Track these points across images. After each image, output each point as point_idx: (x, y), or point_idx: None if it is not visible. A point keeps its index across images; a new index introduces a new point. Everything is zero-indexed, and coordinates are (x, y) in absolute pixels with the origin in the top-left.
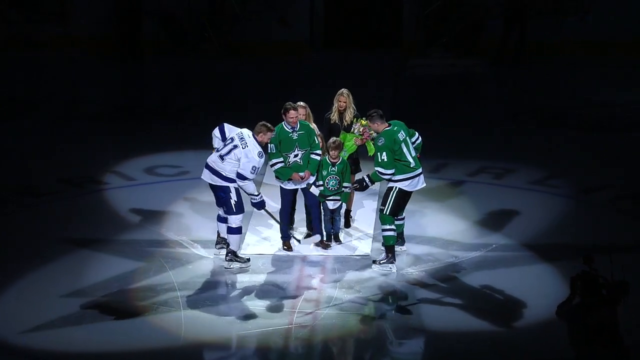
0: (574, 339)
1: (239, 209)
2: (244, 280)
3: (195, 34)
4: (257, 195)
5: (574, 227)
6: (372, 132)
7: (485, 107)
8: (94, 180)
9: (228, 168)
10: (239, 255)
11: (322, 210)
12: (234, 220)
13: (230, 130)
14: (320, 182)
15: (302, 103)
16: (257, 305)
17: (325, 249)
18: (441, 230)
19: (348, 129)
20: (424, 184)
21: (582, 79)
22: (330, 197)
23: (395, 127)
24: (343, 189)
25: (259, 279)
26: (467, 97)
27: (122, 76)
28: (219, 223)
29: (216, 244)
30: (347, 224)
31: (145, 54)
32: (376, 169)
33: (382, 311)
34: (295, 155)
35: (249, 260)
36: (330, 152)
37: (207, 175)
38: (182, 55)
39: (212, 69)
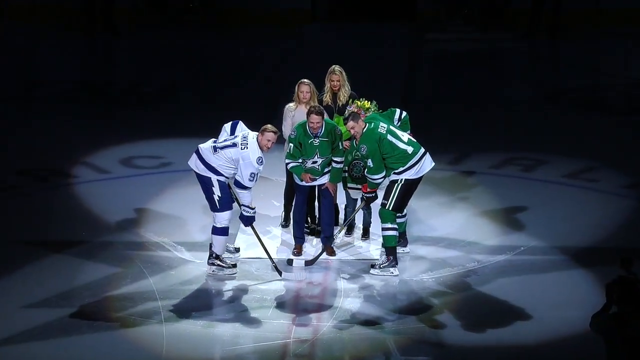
0: (610, 353)
1: (225, 205)
2: (234, 288)
3: (178, 2)
4: (251, 209)
5: (614, 228)
6: (368, 113)
7: (513, 88)
8: (61, 173)
9: (217, 162)
10: (223, 259)
11: (339, 211)
12: (219, 219)
13: (243, 129)
14: (345, 168)
15: (306, 80)
16: (249, 317)
17: (331, 255)
18: (460, 230)
19: (343, 110)
20: (433, 163)
21: (627, 54)
22: (353, 186)
23: (373, 124)
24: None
25: (252, 286)
26: (493, 77)
27: (93, 51)
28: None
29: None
30: (336, 221)
31: (120, 26)
32: (367, 176)
33: (392, 324)
34: (314, 162)
35: (234, 266)
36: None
37: (192, 162)
38: (162, 28)
39: (198, 43)
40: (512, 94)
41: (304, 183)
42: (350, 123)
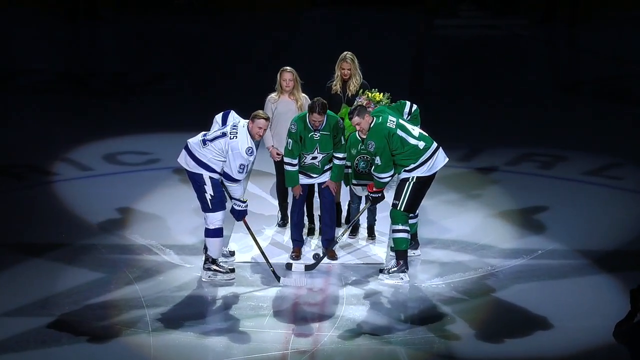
0: None
1: (217, 205)
2: (228, 295)
3: None
4: (243, 203)
5: (639, 229)
6: (378, 106)
7: (530, 78)
8: (39, 170)
9: (208, 155)
10: (220, 264)
11: (342, 209)
12: (211, 220)
13: (234, 118)
14: (348, 164)
15: (288, 68)
16: (244, 326)
17: (332, 259)
18: (472, 232)
19: (352, 101)
20: (446, 159)
21: None
22: (359, 183)
23: (381, 118)
24: None
25: (247, 293)
26: (507, 66)
27: (73, 38)
28: None
29: (204, 248)
30: (338, 221)
31: (102, 11)
32: (373, 175)
33: (399, 334)
34: (314, 158)
35: (232, 270)
36: None
37: (182, 158)
38: (150, 13)
39: (189, 29)
40: (528, 85)
41: (305, 180)
42: (356, 119)
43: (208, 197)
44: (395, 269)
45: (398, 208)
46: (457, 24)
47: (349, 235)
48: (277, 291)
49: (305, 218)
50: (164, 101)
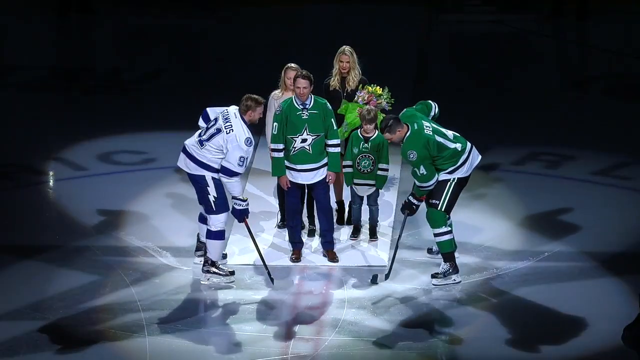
0: None
1: (221, 207)
2: (226, 298)
3: None
4: (243, 201)
5: None
6: (380, 101)
7: (537, 74)
8: (32, 170)
9: (208, 155)
10: (220, 266)
11: (344, 209)
12: (214, 222)
13: (214, 112)
14: (349, 163)
15: (293, 65)
16: (243, 330)
17: (333, 261)
18: (477, 233)
19: (352, 96)
20: (480, 157)
21: None
22: (361, 182)
23: (416, 125)
24: (379, 171)
25: (245, 296)
26: (514, 62)
27: (66, 33)
28: (199, 224)
29: (196, 250)
30: (341, 220)
31: (95, 5)
32: (417, 185)
33: (401, 338)
34: (304, 141)
35: (232, 273)
36: (364, 126)
37: (181, 161)
38: (145, 6)
39: (184, 24)
40: (535, 81)
41: (299, 178)
42: (387, 135)
43: (211, 198)
44: (450, 271)
45: (439, 208)
46: (463, 19)
47: (351, 236)
48: (277, 295)
49: (306, 219)
50: (159, 99)
